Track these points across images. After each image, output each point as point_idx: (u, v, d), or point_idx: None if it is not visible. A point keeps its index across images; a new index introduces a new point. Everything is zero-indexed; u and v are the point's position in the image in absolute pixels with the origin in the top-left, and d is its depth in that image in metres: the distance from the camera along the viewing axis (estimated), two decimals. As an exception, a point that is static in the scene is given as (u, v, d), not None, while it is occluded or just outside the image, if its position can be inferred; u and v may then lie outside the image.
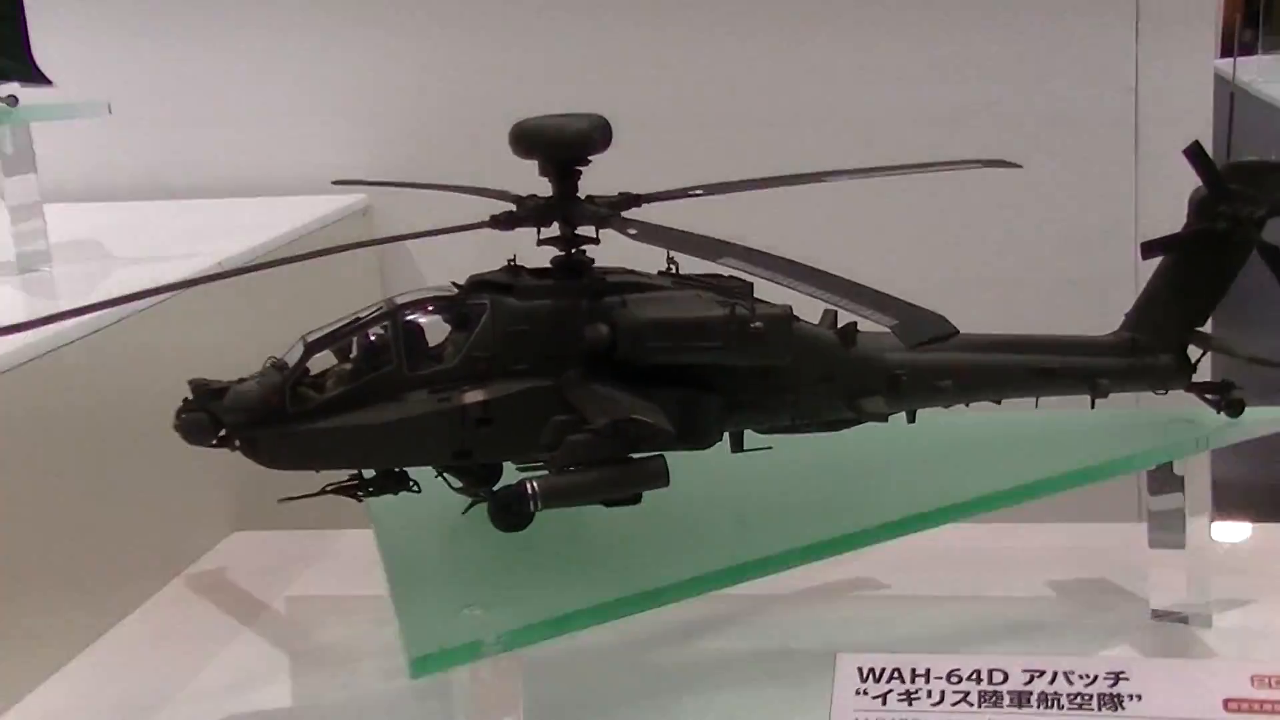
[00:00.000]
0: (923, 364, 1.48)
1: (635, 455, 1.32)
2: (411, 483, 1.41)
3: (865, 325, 1.30)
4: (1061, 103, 2.48)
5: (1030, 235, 2.52)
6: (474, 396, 1.34)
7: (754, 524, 1.46)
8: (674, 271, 1.44)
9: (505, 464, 1.42)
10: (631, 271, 1.44)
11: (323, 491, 1.41)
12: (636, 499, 1.35)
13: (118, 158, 2.71)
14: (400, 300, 1.38)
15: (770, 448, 1.47)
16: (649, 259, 1.43)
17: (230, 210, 2.57)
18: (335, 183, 1.94)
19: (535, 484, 1.28)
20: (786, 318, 1.38)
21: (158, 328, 1.87)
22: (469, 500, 1.42)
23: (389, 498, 1.41)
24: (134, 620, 1.82)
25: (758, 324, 1.34)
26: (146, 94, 2.68)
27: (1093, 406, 1.59)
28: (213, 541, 2.05)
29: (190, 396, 1.34)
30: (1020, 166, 1.69)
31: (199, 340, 1.96)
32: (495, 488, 1.40)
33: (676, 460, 1.33)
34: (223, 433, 1.34)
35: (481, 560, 1.39)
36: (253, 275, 1.47)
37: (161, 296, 1.64)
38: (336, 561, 1.97)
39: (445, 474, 1.41)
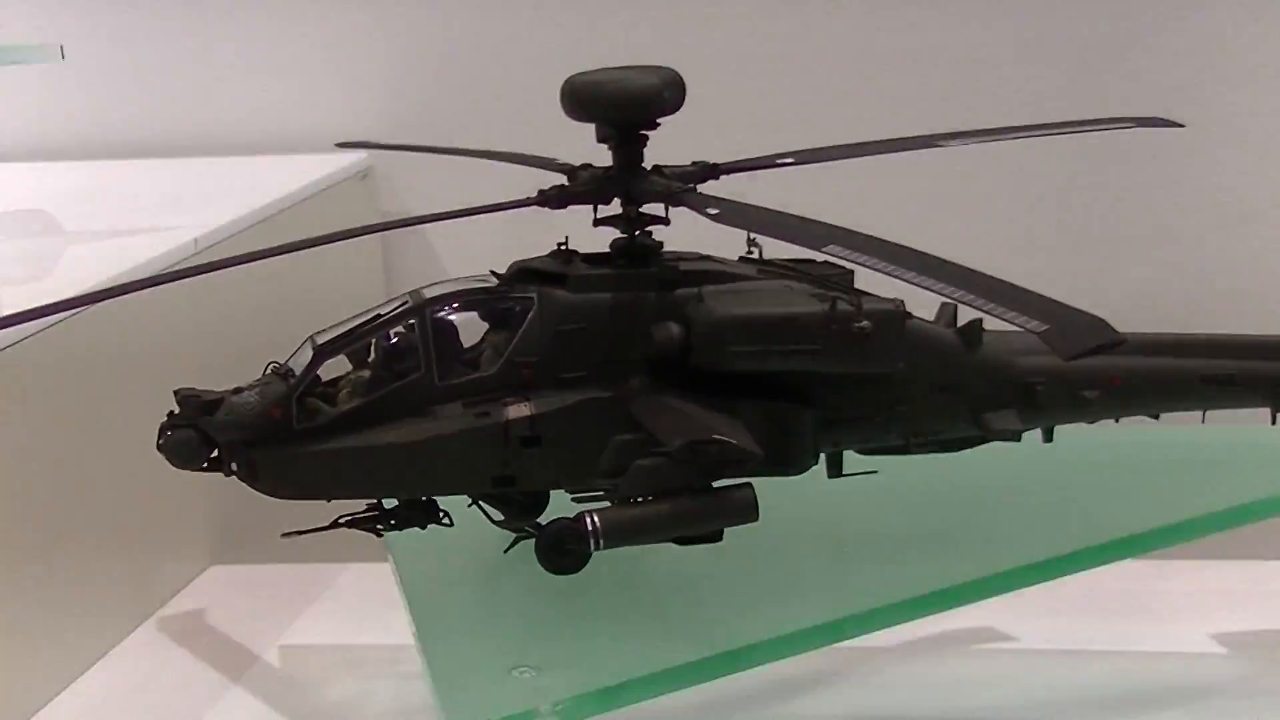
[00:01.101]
0: (1064, 371, 1.47)
1: (716, 483, 1.32)
2: (442, 514, 1.41)
3: (991, 323, 1.29)
4: (1219, 41, 2.45)
5: (1186, 209, 2.49)
6: (518, 411, 1.35)
7: (857, 561, 1.46)
8: (758, 257, 1.44)
9: (554, 492, 1.43)
10: (708, 258, 1.44)
11: (335, 524, 1.42)
12: (717, 536, 1.35)
13: (71, 109, 2.72)
14: (429, 294, 1.39)
15: (875, 472, 1.47)
16: (727, 243, 1.43)
17: (203, 172, 2.57)
18: (339, 145, 1.95)
19: (596, 518, 1.28)
20: (898, 315, 1.37)
21: (123, 322, 1.87)
22: (512, 536, 1.43)
23: (414, 532, 1.42)
24: (97, 673, 1.82)
25: (863, 323, 1.34)
26: (106, 35, 2.69)
27: (1274, 422, 1.58)
28: (187, 577, 2.06)
29: (177, 410, 1.35)
30: (1182, 126, 1.68)
31: (167, 338, 1.96)
32: (543, 521, 1.40)
33: (764, 488, 1.33)
34: (215, 454, 1.35)
35: (530, 610, 1.40)
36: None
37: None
38: (338, 602, 1.98)
39: (482, 504, 1.42)
